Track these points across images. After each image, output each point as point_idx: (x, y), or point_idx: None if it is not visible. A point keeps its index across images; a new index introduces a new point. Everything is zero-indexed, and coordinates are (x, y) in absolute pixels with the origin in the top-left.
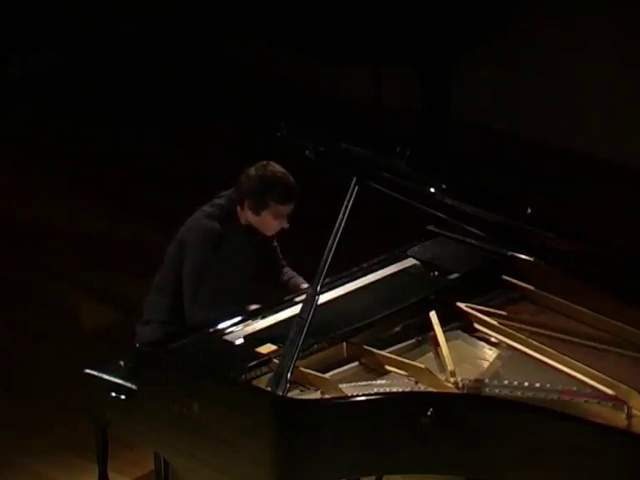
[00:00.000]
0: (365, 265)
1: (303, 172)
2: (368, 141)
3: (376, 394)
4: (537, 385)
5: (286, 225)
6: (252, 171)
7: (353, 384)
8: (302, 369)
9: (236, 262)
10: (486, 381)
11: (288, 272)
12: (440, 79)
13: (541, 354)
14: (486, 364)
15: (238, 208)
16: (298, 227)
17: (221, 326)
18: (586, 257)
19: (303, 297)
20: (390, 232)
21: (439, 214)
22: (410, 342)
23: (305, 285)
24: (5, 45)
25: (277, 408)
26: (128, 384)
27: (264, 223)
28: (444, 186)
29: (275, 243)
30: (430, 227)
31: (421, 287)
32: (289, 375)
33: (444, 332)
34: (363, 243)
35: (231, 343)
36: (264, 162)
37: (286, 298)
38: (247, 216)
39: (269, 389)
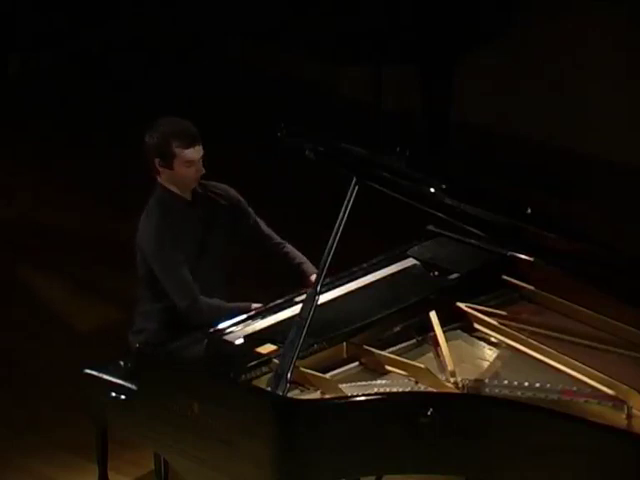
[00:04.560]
0: (365, 265)
1: (303, 172)
2: (368, 141)
3: (376, 394)
4: (537, 385)
5: (202, 170)
6: (150, 130)
7: (353, 384)
8: (302, 369)
9: (194, 240)
10: (486, 381)
11: (294, 253)
12: (440, 79)
13: (541, 354)
14: (486, 364)
15: (158, 178)
16: (298, 227)
17: (221, 326)
18: (586, 257)
19: (303, 297)
20: (390, 232)
21: (439, 214)
22: (410, 342)
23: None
24: (5, 45)
25: (277, 408)
26: (128, 384)
27: (180, 175)
28: (444, 186)
29: (255, 218)
30: (430, 227)
31: (421, 287)
32: (289, 375)
33: (444, 332)
34: (363, 243)
35: (231, 343)
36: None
37: (285, 298)
38: (166, 177)
39: (269, 389)
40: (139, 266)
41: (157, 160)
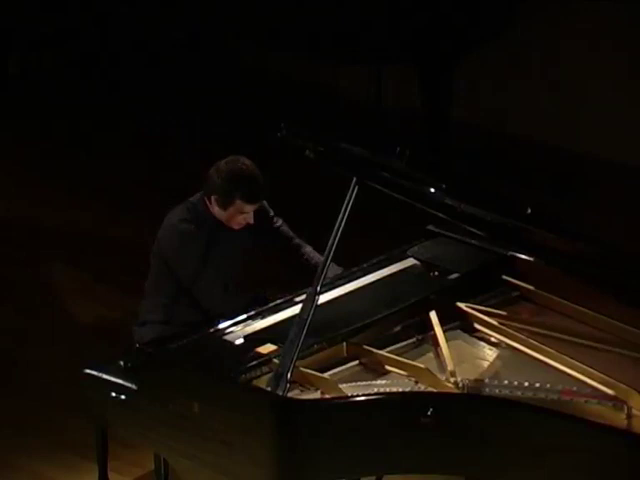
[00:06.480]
0: (365, 265)
1: (303, 172)
2: (368, 140)
3: (376, 394)
4: (537, 385)
5: (251, 221)
6: (222, 166)
7: (353, 384)
8: (302, 369)
9: (222, 254)
10: (486, 381)
11: (311, 254)
12: (440, 79)
13: (541, 354)
14: (486, 364)
15: (207, 201)
16: (298, 227)
17: (221, 326)
18: (586, 257)
19: (303, 297)
20: (390, 232)
21: (439, 214)
22: (410, 342)
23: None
24: (5, 45)
25: (277, 408)
26: (128, 384)
27: (230, 218)
28: (444, 186)
29: (278, 223)
30: (430, 227)
31: (421, 287)
32: (289, 375)
33: (444, 332)
34: (363, 243)
35: (231, 343)
36: (234, 157)
37: (285, 298)
38: (214, 210)
39: (269, 389)
40: (152, 255)
41: (214, 196)
